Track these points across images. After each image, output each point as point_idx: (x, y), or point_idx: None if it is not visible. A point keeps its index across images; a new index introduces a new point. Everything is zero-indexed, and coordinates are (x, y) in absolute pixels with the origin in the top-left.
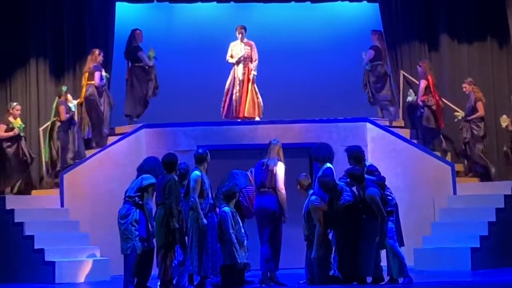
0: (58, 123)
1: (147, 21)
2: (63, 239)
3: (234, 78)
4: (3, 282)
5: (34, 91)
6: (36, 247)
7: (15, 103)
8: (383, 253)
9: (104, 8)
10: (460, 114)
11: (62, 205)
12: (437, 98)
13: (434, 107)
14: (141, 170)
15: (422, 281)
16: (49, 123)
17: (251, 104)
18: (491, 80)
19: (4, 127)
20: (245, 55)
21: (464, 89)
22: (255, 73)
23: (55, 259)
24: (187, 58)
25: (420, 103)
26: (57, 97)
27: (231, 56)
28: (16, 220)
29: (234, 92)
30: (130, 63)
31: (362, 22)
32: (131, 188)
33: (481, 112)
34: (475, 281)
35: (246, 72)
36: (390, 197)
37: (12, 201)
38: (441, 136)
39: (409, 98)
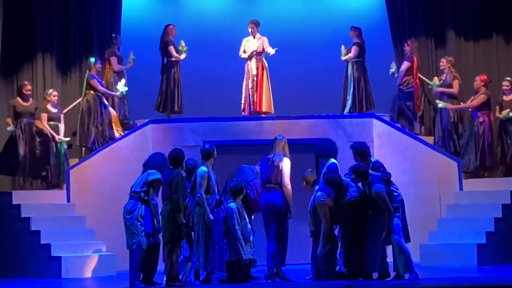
0: (91, 97)
1: (153, 15)
2: (69, 234)
3: (248, 73)
4: (9, 277)
5: (40, 86)
6: (42, 242)
7: (51, 90)
8: (389, 248)
9: (111, 3)
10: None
11: (68, 200)
12: (417, 81)
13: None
14: (147, 165)
15: (428, 277)
16: (79, 100)
17: (267, 99)
18: (496, 76)
19: (45, 115)
20: (258, 49)
21: (440, 64)
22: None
23: (61, 254)
24: (193, 52)
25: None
26: (87, 70)
27: (244, 52)
28: (23, 215)
29: (249, 88)
30: (165, 59)
31: (369, 16)
32: (136, 184)
33: (455, 89)
34: (481, 277)
35: (260, 66)
36: (396, 193)
37: (19, 196)
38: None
39: (392, 70)
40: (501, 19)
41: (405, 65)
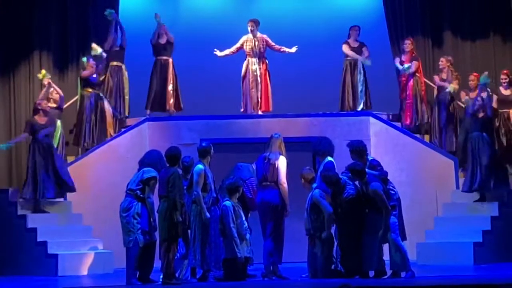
0: (86, 96)
1: (150, 14)
2: (66, 232)
3: (248, 72)
4: (6, 274)
5: (37, 84)
6: (39, 239)
7: (52, 88)
8: (385, 247)
9: (108, 1)
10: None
11: (65, 198)
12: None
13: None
14: (143, 163)
15: (424, 275)
16: (76, 97)
17: (270, 98)
18: (493, 76)
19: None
20: (260, 50)
21: (440, 63)
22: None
23: (58, 251)
24: (191, 51)
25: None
26: (81, 70)
27: (236, 49)
28: (19, 212)
29: (250, 88)
30: (155, 58)
31: (366, 16)
32: (132, 181)
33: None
34: (477, 275)
35: (263, 67)
36: (392, 192)
37: (16, 194)
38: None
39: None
40: (498, 18)
41: (415, 65)
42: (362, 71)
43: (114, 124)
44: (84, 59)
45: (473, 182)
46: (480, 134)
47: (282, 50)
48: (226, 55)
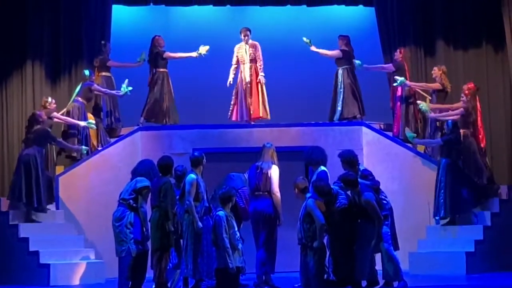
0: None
1: (143, 24)
2: (58, 241)
3: (241, 81)
4: None
5: (29, 94)
6: (31, 249)
7: (50, 98)
8: (378, 256)
9: (101, 11)
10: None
11: (57, 207)
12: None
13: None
14: (135, 173)
15: (417, 285)
16: (65, 110)
17: (263, 105)
18: (486, 86)
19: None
20: (250, 57)
21: (433, 72)
22: (263, 74)
23: (50, 261)
24: (183, 61)
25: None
26: (81, 83)
27: (237, 62)
28: (11, 222)
29: (243, 95)
30: (154, 70)
31: (358, 26)
32: (125, 191)
33: (431, 86)
34: (470, 285)
35: (254, 73)
36: (384, 201)
37: (7, 204)
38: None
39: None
40: (491, 28)
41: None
42: (340, 80)
43: (98, 135)
44: (87, 72)
45: (436, 209)
46: (443, 161)
47: (260, 66)
48: (234, 74)
